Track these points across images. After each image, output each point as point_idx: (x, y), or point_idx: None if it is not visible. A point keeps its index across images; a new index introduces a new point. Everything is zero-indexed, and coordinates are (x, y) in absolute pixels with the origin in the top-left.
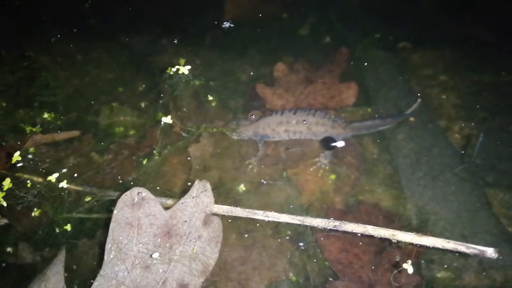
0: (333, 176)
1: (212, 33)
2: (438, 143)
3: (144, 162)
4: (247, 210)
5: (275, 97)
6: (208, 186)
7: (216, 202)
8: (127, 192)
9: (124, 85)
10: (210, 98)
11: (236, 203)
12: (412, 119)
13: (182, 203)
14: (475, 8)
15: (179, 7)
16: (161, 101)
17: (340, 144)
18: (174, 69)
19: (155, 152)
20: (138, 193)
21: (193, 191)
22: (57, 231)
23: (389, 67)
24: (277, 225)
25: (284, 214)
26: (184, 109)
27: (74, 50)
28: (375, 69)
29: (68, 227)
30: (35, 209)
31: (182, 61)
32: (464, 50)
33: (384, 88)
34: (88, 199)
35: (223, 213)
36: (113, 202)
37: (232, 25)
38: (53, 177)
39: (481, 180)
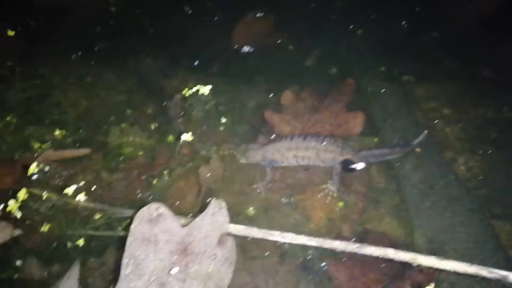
0: (341, 204)
1: (220, 60)
2: (445, 175)
3: (154, 182)
4: (263, 230)
5: (283, 123)
6: (224, 205)
7: None
8: (145, 207)
9: (133, 107)
10: (224, 120)
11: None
12: (418, 150)
13: (199, 220)
14: (474, 46)
15: (187, 35)
16: (171, 123)
17: (360, 166)
18: (193, 90)
19: (165, 172)
20: (156, 209)
21: (210, 209)
22: (69, 246)
23: (395, 99)
24: (285, 250)
25: (302, 236)
26: (197, 130)
27: (85, 72)
28: (380, 100)
29: (81, 241)
30: (45, 223)
31: (191, 85)
32: (466, 86)
33: (390, 119)
34: (98, 216)
35: (238, 233)
36: (125, 220)
37: (252, 50)
38: (70, 190)
39: (488, 211)
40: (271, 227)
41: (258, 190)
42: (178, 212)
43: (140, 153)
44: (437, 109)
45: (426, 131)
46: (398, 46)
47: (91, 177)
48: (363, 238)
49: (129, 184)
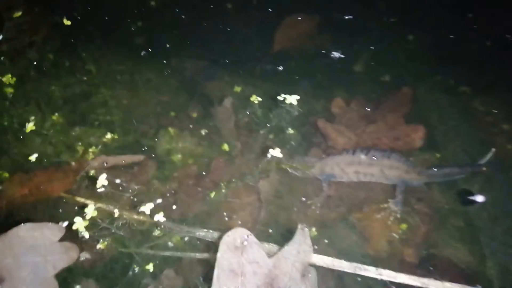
0: (404, 226)
1: (262, 63)
2: None
3: (212, 195)
4: (355, 264)
5: (337, 133)
6: (307, 232)
7: None
8: (229, 233)
9: (177, 110)
10: (291, 131)
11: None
12: (484, 169)
13: (286, 250)
14: None
15: (230, 35)
16: (221, 130)
17: (480, 198)
18: (280, 98)
19: (222, 185)
20: (242, 235)
21: (296, 237)
22: (136, 270)
23: (454, 111)
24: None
25: (402, 274)
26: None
27: (128, 69)
28: (439, 112)
29: (150, 267)
30: (106, 241)
31: (238, 88)
32: None
33: (451, 133)
34: (159, 233)
35: (325, 265)
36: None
37: (342, 56)
38: (146, 208)
39: None
40: (326, 250)
41: (313, 207)
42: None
43: (190, 161)
44: (496, 124)
45: (493, 149)
46: (451, 54)
47: (142, 188)
48: (428, 265)
49: (185, 196)
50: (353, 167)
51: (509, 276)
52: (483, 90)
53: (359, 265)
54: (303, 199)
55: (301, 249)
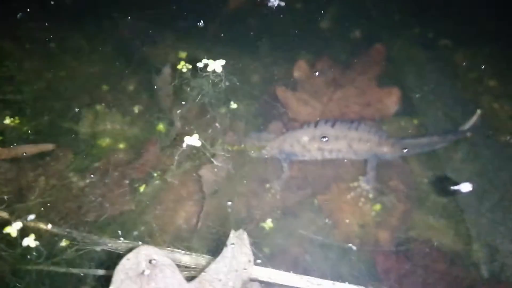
0: (377, 207)
1: (215, 24)
2: (505, 164)
3: (142, 188)
4: (308, 278)
5: (299, 103)
6: (246, 238)
7: None
8: (130, 255)
9: (110, 83)
10: (234, 105)
11: (260, 244)
12: (469, 134)
13: (213, 269)
14: None
15: None
16: (160, 106)
17: (466, 187)
18: (200, 64)
19: (155, 175)
20: (148, 257)
21: (228, 251)
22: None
23: (433, 69)
24: None
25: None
26: (195, 118)
27: (46, 35)
28: (417, 71)
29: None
30: None
31: (183, 54)
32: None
33: (430, 95)
34: (65, 243)
35: (270, 280)
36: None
37: (282, 3)
38: (13, 229)
39: None
40: (290, 242)
41: (273, 191)
42: (179, 238)
43: (122, 145)
44: (481, 81)
45: (479, 111)
46: (430, 2)
47: (54, 183)
48: (407, 249)
49: (108, 192)
50: (316, 143)
51: (498, 259)
52: (467, 42)
53: (312, 278)
54: (260, 183)
55: (234, 263)
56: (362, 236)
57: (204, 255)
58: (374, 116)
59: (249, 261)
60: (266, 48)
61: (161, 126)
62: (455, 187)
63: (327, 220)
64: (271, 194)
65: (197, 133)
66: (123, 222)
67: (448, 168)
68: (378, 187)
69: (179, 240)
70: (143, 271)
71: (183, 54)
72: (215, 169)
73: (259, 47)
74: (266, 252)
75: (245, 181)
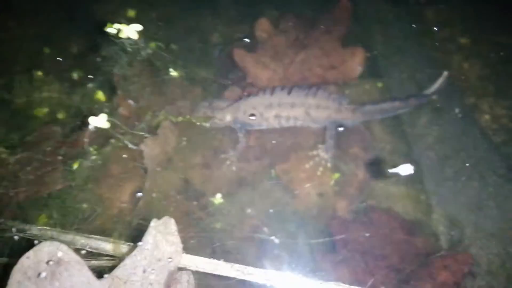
0: (336, 175)
1: None
2: (468, 129)
3: (75, 166)
4: (238, 266)
5: (259, 66)
6: (173, 225)
7: (184, 225)
8: (30, 253)
9: (51, 44)
10: (173, 73)
11: (208, 224)
12: (435, 97)
13: (128, 264)
14: None
15: None
16: (103, 70)
17: (405, 171)
18: (113, 30)
19: (91, 150)
20: (51, 254)
21: (147, 242)
22: None
23: (401, 27)
24: None
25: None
26: (134, 87)
27: None
28: (384, 29)
29: None
30: None
31: (132, 12)
32: (485, 5)
33: (397, 55)
34: None
35: (198, 270)
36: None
37: None
38: None
39: None
40: (245, 215)
41: (228, 162)
42: (109, 224)
43: (60, 115)
44: (452, 39)
45: (446, 73)
46: None
47: None
48: (365, 219)
49: (37, 170)
50: (273, 111)
51: (455, 228)
52: None
53: (243, 267)
54: (214, 154)
55: (157, 254)
56: (320, 205)
57: (129, 243)
58: (337, 79)
59: (176, 250)
60: (229, 4)
61: (100, 95)
62: (394, 170)
63: (285, 191)
64: (226, 166)
65: (137, 102)
66: (49, 205)
67: (410, 134)
68: (337, 155)
69: (111, 225)
70: (40, 273)
71: (132, 13)
72: (159, 142)
73: (221, 3)
74: (217, 227)
75: (197, 153)
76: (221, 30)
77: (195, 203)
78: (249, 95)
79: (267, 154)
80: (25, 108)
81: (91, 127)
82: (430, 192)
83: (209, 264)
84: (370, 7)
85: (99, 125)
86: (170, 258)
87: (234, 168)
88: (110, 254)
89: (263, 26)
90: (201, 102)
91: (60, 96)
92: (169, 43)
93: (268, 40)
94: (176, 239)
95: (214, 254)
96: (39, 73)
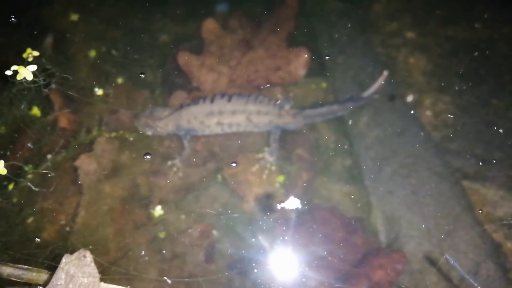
0: (281, 178)
1: None
2: (408, 127)
3: (10, 187)
4: None
5: (203, 70)
6: (89, 258)
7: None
8: None
9: None
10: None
11: (152, 237)
12: (376, 96)
13: None
14: None
15: None
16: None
17: (291, 205)
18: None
19: (26, 169)
20: None
21: (60, 276)
22: None
23: (348, 24)
24: None
25: None
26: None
27: None
28: (330, 27)
29: None
30: None
31: (75, 16)
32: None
33: (342, 55)
34: None
35: None
36: None
37: None
38: None
39: (459, 172)
40: (193, 219)
41: (175, 169)
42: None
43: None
44: (399, 33)
45: (385, 72)
46: None
47: None
48: (309, 217)
49: None
50: (214, 118)
51: (393, 225)
52: None
53: None
54: (161, 161)
55: (74, 286)
56: (267, 207)
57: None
58: (283, 80)
59: (94, 281)
60: (177, 2)
61: (35, 110)
62: (281, 205)
63: (232, 194)
64: (171, 174)
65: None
66: None
67: (352, 133)
68: (283, 157)
69: (41, 251)
70: None
71: (74, 17)
72: (95, 157)
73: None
74: (161, 237)
75: (140, 164)
76: (170, 29)
77: (140, 212)
78: (189, 104)
79: (214, 157)
80: None
81: None
82: (370, 190)
83: None
84: (316, 5)
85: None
86: None
87: (180, 174)
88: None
89: (209, 27)
90: (142, 111)
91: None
92: (111, 48)
93: (215, 41)
94: (93, 270)
95: (163, 261)
96: None
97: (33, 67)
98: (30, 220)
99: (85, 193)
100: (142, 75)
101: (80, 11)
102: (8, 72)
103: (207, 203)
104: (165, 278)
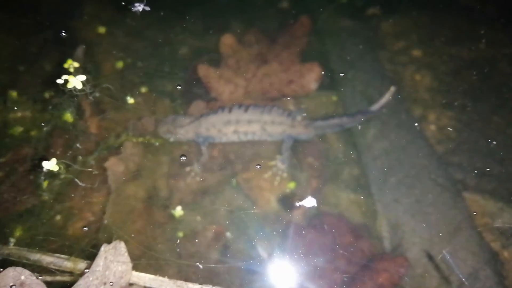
0: (292, 184)
1: None
2: (413, 140)
3: (45, 184)
4: (180, 283)
5: (221, 81)
6: (123, 247)
7: (143, 237)
8: None
9: (26, 62)
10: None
11: (172, 235)
12: (384, 110)
13: (81, 284)
14: None
15: None
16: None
17: (310, 203)
18: (61, 81)
19: (61, 168)
20: (14, 279)
21: (98, 264)
22: None
23: (357, 41)
24: None
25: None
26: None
27: None
28: (341, 44)
29: None
30: None
31: (102, 29)
32: (440, 18)
33: (352, 70)
34: None
35: (145, 285)
36: None
37: (148, 9)
38: None
39: (460, 184)
40: (209, 221)
41: (193, 173)
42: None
43: (33, 132)
44: (406, 51)
45: (393, 88)
46: None
47: None
48: (317, 224)
49: (9, 190)
50: (231, 127)
51: (397, 232)
52: (396, 10)
53: (182, 282)
54: (180, 166)
55: (108, 274)
56: (278, 212)
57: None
58: (296, 93)
59: (127, 269)
60: (198, 18)
61: (67, 115)
62: (300, 203)
63: (246, 198)
64: (190, 178)
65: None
66: (15, 224)
67: (360, 144)
68: (294, 165)
69: (77, 242)
70: None
71: (102, 29)
72: (123, 160)
73: (190, 14)
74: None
75: (162, 167)
76: (190, 42)
77: (161, 213)
78: (208, 113)
79: (230, 163)
80: (1, 127)
81: (45, 169)
82: (376, 198)
83: (154, 280)
84: (328, 21)
85: (50, 168)
86: (121, 276)
87: (198, 178)
88: (71, 271)
89: (227, 42)
90: (164, 119)
91: (33, 115)
92: (136, 60)
93: (231, 55)
94: (126, 259)
95: (180, 258)
96: (15, 93)
97: (83, 77)
98: (58, 217)
99: (112, 192)
100: (178, 87)
101: (107, 24)
102: (60, 81)
103: (222, 205)
104: (197, 263)
